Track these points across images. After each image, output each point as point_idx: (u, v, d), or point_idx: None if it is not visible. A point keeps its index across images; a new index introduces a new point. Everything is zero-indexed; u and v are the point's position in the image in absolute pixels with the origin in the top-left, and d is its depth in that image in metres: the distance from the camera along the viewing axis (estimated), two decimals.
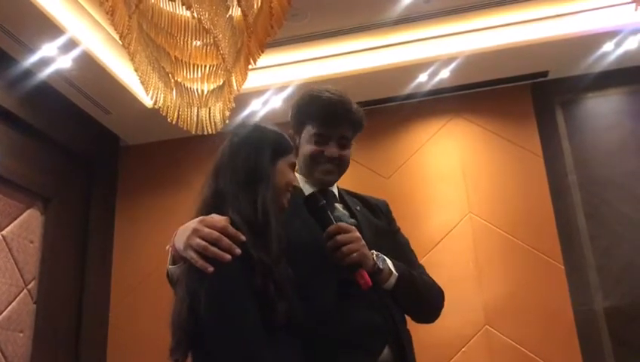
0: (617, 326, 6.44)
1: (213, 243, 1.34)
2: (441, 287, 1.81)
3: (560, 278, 6.61)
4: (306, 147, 1.79)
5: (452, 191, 7.21)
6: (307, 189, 1.80)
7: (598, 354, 6.42)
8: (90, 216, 7.47)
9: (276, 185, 1.48)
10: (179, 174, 7.73)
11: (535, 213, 6.89)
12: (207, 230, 1.37)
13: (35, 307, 6.50)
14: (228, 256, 1.31)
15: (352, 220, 1.71)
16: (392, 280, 1.69)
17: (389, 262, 1.69)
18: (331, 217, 1.62)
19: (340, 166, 1.82)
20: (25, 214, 6.56)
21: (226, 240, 1.34)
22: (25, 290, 6.42)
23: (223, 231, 1.35)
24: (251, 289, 1.31)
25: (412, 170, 7.43)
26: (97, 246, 7.47)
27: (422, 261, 7.50)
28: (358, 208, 1.82)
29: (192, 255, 1.36)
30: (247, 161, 1.45)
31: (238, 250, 1.32)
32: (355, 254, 1.60)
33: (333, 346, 1.51)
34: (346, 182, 1.90)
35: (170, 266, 1.46)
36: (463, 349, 6.59)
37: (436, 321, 7.13)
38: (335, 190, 1.86)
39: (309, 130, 1.80)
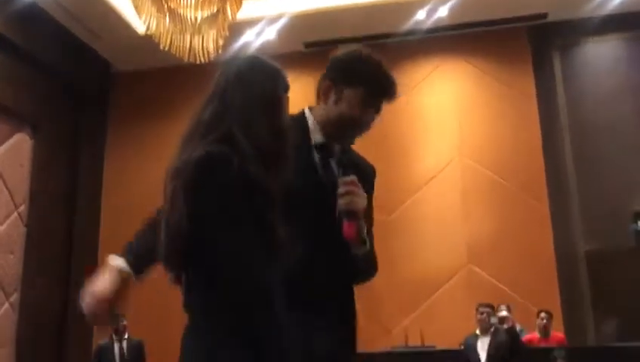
0: (597, 270, 6.61)
1: None
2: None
3: (544, 221, 6.73)
4: (352, 108, 1.77)
5: (444, 133, 7.22)
6: (316, 137, 1.81)
7: (576, 295, 6.61)
8: (79, 141, 7.44)
9: (286, 116, 1.49)
10: (170, 102, 7.66)
11: (524, 156, 6.94)
12: None
13: (26, 230, 6.56)
14: None
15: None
16: (361, 251, 1.76)
17: (365, 235, 1.77)
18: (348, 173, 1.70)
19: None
20: (14, 138, 6.52)
21: None
22: (15, 213, 6.46)
23: None
24: (249, 209, 1.33)
25: (405, 110, 7.39)
26: (87, 171, 7.48)
27: (410, 199, 7.59)
28: (350, 169, 1.85)
29: None
30: (263, 89, 1.43)
31: None
32: (357, 206, 1.67)
33: (295, 289, 1.59)
34: None
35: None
36: (445, 285, 6.76)
37: (421, 256, 7.26)
38: (337, 146, 1.88)
39: (358, 93, 1.77)
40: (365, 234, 1.74)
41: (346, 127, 1.81)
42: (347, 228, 1.66)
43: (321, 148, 1.80)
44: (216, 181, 1.33)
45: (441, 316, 6.50)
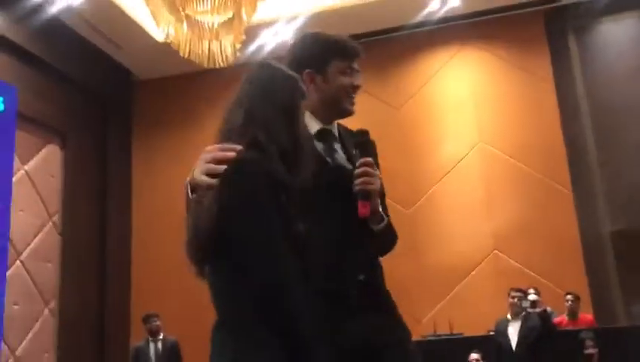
0: (623, 250, 6.59)
1: (212, 159, 1.51)
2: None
3: (568, 204, 6.73)
4: (341, 79, 1.89)
5: (463, 121, 7.25)
6: (313, 126, 1.90)
7: (604, 277, 6.60)
8: (107, 149, 7.65)
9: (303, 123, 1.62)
10: (191, 107, 7.83)
11: (545, 141, 6.94)
12: (207, 155, 1.53)
13: (61, 238, 6.78)
14: (221, 168, 1.47)
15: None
16: (382, 226, 1.86)
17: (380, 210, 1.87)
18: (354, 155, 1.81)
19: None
20: (45, 149, 6.74)
21: (219, 154, 1.51)
22: (50, 222, 6.68)
23: (218, 149, 1.53)
24: (276, 206, 1.44)
25: (423, 100, 7.45)
26: (116, 178, 7.68)
27: (433, 189, 7.62)
28: (355, 151, 1.94)
29: (199, 178, 1.51)
30: (283, 99, 1.56)
31: (231, 154, 1.46)
32: (370, 186, 1.76)
33: (317, 269, 1.68)
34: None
35: (192, 195, 1.60)
36: (472, 273, 6.80)
37: (446, 246, 7.27)
38: (335, 128, 1.96)
39: (337, 65, 1.89)
40: (381, 210, 1.84)
41: (341, 99, 1.92)
42: (362, 207, 1.76)
43: (322, 134, 1.90)
44: (248, 182, 1.45)
45: (469, 303, 6.55)
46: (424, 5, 7.00)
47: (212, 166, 1.50)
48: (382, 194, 1.92)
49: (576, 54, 7.25)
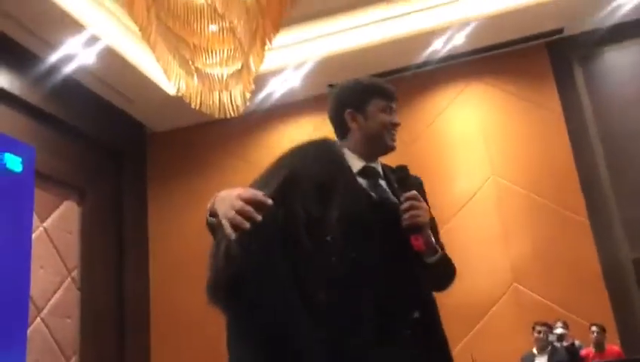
0: None
1: (240, 211, 1.54)
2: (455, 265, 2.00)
3: (585, 233, 6.68)
4: (382, 117, 1.99)
5: (474, 155, 7.28)
6: (355, 165, 1.96)
7: (628, 305, 6.49)
8: (123, 203, 7.73)
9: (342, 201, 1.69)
10: (205, 157, 7.94)
11: (557, 171, 6.94)
12: (236, 202, 1.56)
13: (79, 293, 6.81)
14: (247, 224, 1.50)
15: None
16: (435, 258, 1.87)
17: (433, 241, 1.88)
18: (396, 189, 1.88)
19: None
20: (62, 206, 6.84)
21: (247, 209, 1.52)
22: (69, 278, 6.73)
23: (250, 199, 1.54)
24: (284, 247, 1.48)
25: (433, 137, 7.50)
26: (133, 232, 7.74)
27: (447, 225, 7.63)
28: (397, 186, 1.97)
29: (224, 223, 1.54)
30: (328, 172, 1.62)
31: (258, 217, 1.50)
32: (419, 219, 1.78)
33: (367, 308, 1.69)
34: None
35: (210, 217, 1.64)
36: (493, 308, 6.72)
37: (465, 282, 7.21)
38: (379, 166, 2.00)
39: (377, 104, 2.00)
40: (434, 242, 1.85)
41: (382, 136, 1.99)
42: (415, 241, 1.78)
43: (365, 171, 1.95)
44: (263, 235, 1.49)
45: (492, 340, 6.45)
46: (427, 45, 7.12)
47: (239, 219, 1.52)
48: (434, 228, 1.94)
49: (582, 83, 7.30)
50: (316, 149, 1.70)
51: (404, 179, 1.96)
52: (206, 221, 1.65)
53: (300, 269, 1.52)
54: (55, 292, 6.49)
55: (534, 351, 5.69)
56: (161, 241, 7.84)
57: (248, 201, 1.53)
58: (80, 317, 6.72)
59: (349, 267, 1.68)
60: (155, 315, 7.60)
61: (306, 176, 1.61)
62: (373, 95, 2.02)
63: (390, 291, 1.74)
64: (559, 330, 5.70)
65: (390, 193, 1.93)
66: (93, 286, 6.91)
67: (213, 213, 1.60)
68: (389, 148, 2.02)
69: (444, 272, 1.92)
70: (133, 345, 7.27)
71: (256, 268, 1.48)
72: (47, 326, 6.29)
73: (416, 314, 1.76)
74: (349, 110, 2.02)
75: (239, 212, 1.52)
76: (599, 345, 5.80)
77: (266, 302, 1.46)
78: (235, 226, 1.52)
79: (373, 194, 1.90)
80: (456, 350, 6.53)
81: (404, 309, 1.76)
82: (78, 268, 6.85)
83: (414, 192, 1.84)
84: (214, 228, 1.60)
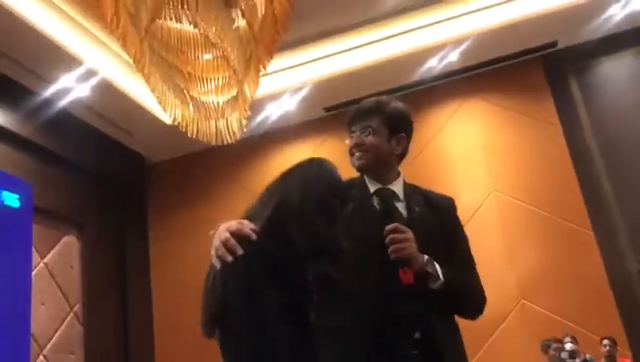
0: None
1: (225, 243, 1.55)
2: (483, 291, 1.96)
3: (591, 245, 6.62)
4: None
5: (474, 172, 7.25)
6: (370, 184, 1.97)
7: (636, 314, 6.41)
8: (124, 235, 7.69)
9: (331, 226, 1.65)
10: (205, 185, 7.91)
11: (559, 184, 6.90)
12: (223, 233, 1.56)
13: (83, 329, 6.73)
14: (229, 258, 1.52)
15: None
16: (437, 284, 1.82)
17: (437, 267, 1.83)
18: (392, 217, 1.82)
19: (368, 150, 1.94)
20: (62, 241, 6.79)
21: (231, 243, 1.54)
22: (71, 313, 6.66)
23: (236, 232, 1.55)
24: (279, 287, 1.48)
25: (432, 156, 7.48)
26: (135, 264, 7.68)
27: None
28: (417, 209, 1.93)
29: (212, 253, 1.56)
30: (327, 199, 1.62)
31: (240, 251, 1.50)
32: (403, 252, 1.75)
33: (369, 328, 1.67)
34: None
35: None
36: (502, 326, 6.63)
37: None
38: (399, 187, 1.97)
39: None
40: (435, 266, 1.81)
41: (350, 158, 2.02)
42: (403, 275, 1.74)
43: (378, 193, 1.97)
44: (245, 267, 1.51)
45: (502, 357, 6.35)
46: (422, 63, 7.14)
47: (222, 251, 1.55)
48: (460, 248, 1.91)
49: (578, 95, 7.31)
50: (313, 171, 1.69)
51: (429, 199, 1.96)
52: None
53: (296, 295, 1.52)
54: (57, 328, 6.41)
55: None
56: (164, 272, 7.78)
57: (233, 234, 1.54)
58: (84, 353, 6.63)
59: (350, 287, 1.67)
60: (159, 348, 7.50)
61: (300, 199, 1.60)
62: (347, 122, 2.07)
63: (393, 312, 1.73)
64: (569, 346, 5.62)
65: (405, 215, 1.91)
66: (96, 321, 6.84)
67: None
68: (356, 169, 2.02)
69: (458, 299, 1.88)
70: None
71: (236, 302, 1.48)
72: None
73: (417, 335, 1.74)
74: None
75: (223, 244, 1.52)
76: (611, 358, 5.71)
77: (249, 334, 1.45)
78: (219, 259, 1.53)
79: (381, 215, 1.89)
80: None
81: (405, 330, 1.74)
82: (80, 303, 6.78)
83: (395, 225, 1.80)
84: None
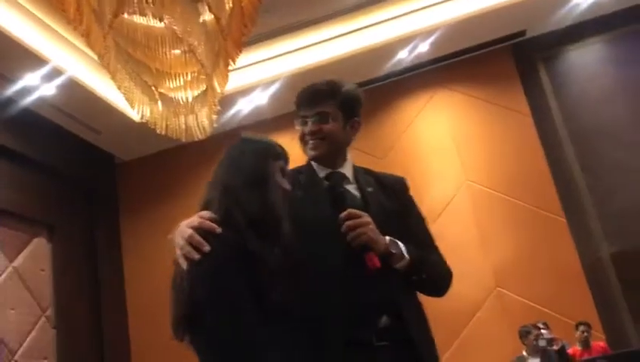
0: (625, 270, 6.55)
1: (188, 241, 1.49)
2: (449, 266, 1.91)
3: (563, 231, 6.70)
4: (298, 129, 1.92)
5: (447, 162, 7.29)
6: (319, 169, 1.89)
7: (609, 299, 6.53)
8: (96, 236, 7.56)
9: (279, 185, 1.60)
10: (177, 182, 7.81)
11: (531, 172, 6.97)
12: (185, 230, 1.52)
13: (55, 332, 6.60)
14: (196, 255, 1.46)
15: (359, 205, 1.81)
16: (403, 263, 1.76)
17: (402, 246, 1.76)
18: (344, 203, 1.74)
19: (325, 139, 1.86)
20: (32, 244, 6.64)
21: (195, 239, 1.49)
22: (43, 317, 6.52)
23: (197, 228, 1.50)
24: (245, 276, 1.43)
25: (405, 147, 7.50)
26: (107, 265, 7.56)
27: None
28: (370, 189, 1.87)
29: (177, 253, 1.50)
30: (254, 170, 1.58)
31: (206, 247, 1.46)
32: (362, 237, 1.67)
33: (333, 318, 1.61)
34: None
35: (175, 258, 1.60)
36: (477, 314, 6.68)
37: (448, 291, 7.20)
38: (349, 170, 1.91)
39: (296, 116, 1.93)
40: (398, 246, 1.75)
41: (302, 148, 1.94)
42: (368, 261, 1.66)
43: (329, 177, 1.88)
44: (213, 263, 1.46)
45: (479, 346, 6.41)
46: (393, 55, 7.13)
47: (187, 249, 1.49)
48: (422, 227, 1.87)
49: (548, 84, 7.38)
50: (237, 147, 1.69)
51: (380, 180, 1.91)
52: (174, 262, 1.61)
53: (263, 283, 1.48)
54: (29, 333, 6.27)
55: (524, 353, 5.68)
56: (137, 271, 7.67)
57: (197, 229, 1.49)
58: (57, 357, 6.50)
59: (312, 274, 1.62)
60: (135, 350, 7.40)
61: (230, 177, 1.60)
62: (296, 107, 1.98)
63: (356, 297, 1.66)
64: (547, 334, 5.70)
65: (359, 196, 1.84)
66: (69, 325, 6.71)
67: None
68: (309, 158, 1.93)
69: (425, 277, 1.81)
70: None
71: (210, 299, 1.44)
72: None
73: (384, 321, 1.68)
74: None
75: (188, 242, 1.47)
76: (586, 343, 5.80)
77: (224, 334, 1.42)
78: (185, 257, 1.48)
79: (331, 201, 1.79)
80: (444, 358, 6.47)
81: (372, 318, 1.67)
82: (52, 307, 6.64)
83: (348, 211, 1.71)
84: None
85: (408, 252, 1.77)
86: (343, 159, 1.94)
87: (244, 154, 1.65)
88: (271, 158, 1.65)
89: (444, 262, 1.91)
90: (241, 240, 1.48)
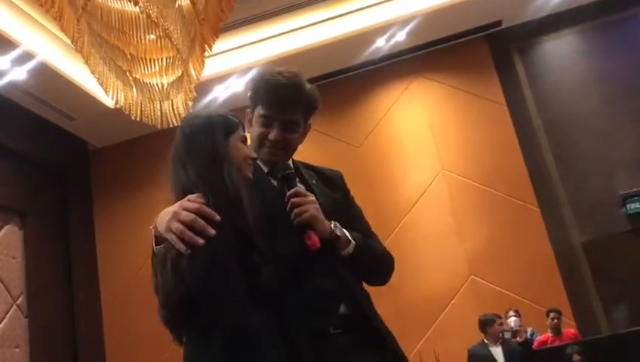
0: (595, 258, 6.66)
1: (190, 226, 1.44)
2: (390, 253, 1.91)
3: (536, 220, 6.79)
4: (255, 128, 1.84)
5: (423, 151, 7.32)
6: (261, 163, 1.86)
7: (580, 286, 6.64)
8: (69, 223, 7.45)
9: (236, 160, 1.57)
10: (151, 170, 7.70)
11: (506, 161, 7.04)
12: (184, 213, 1.47)
13: (27, 321, 6.51)
14: (201, 240, 1.42)
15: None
16: (350, 248, 1.75)
17: (346, 231, 1.76)
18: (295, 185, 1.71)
19: (285, 149, 1.81)
20: (3, 231, 6.53)
21: (200, 223, 1.44)
22: (14, 306, 6.42)
23: (198, 212, 1.46)
24: (235, 258, 1.41)
25: (381, 136, 7.51)
26: (80, 252, 7.46)
27: (401, 223, 7.59)
28: (314, 181, 1.87)
29: (172, 237, 1.46)
30: (204, 146, 1.55)
31: (212, 231, 1.42)
32: (305, 215, 1.65)
33: (293, 308, 1.61)
34: (319, 155, 1.97)
35: (156, 247, 1.54)
36: (452, 301, 6.76)
37: (422, 277, 7.22)
38: (290, 164, 1.90)
39: (258, 111, 1.82)
40: (343, 231, 1.73)
41: (256, 147, 1.84)
42: (307, 239, 1.64)
43: (273, 171, 1.81)
44: (216, 248, 1.44)
45: (453, 332, 6.48)
46: (370, 43, 7.12)
47: (189, 234, 1.44)
48: (358, 216, 1.86)
49: (523, 74, 7.44)
50: (180, 129, 1.65)
51: (321, 173, 1.89)
52: (152, 253, 1.56)
53: (253, 268, 1.48)
54: (0, 322, 6.18)
55: (484, 340, 5.77)
56: (111, 260, 7.59)
57: (197, 213, 1.45)
58: (29, 345, 6.42)
59: (271, 264, 1.58)
60: (108, 337, 7.34)
61: (207, 168, 1.56)
62: (258, 99, 1.82)
63: (312, 286, 1.64)
64: (512, 320, 5.80)
65: (305, 189, 1.82)
66: (41, 313, 6.62)
67: (158, 237, 1.52)
68: (268, 163, 1.82)
69: (371, 263, 1.80)
70: None
71: (213, 283, 1.41)
72: None
73: (342, 310, 1.66)
74: (248, 109, 1.87)
75: (190, 226, 1.44)
76: (557, 330, 5.90)
77: (226, 317, 1.39)
78: (185, 242, 1.44)
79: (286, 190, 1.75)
80: (419, 346, 6.54)
81: (328, 306, 1.65)
82: (24, 295, 6.55)
83: (295, 189, 1.70)
84: (159, 259, 1.52)
85: (353, 237, 1.75)
86: None
87: (196, 133, 1.60)
88: (224, 131, 1.61)
89: (386, 250, 1.91)
90: (232, 225, 1.47)
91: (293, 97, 1.80)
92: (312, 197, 1.72)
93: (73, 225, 7.49)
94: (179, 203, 1.51)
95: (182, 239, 1.45)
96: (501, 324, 5.77)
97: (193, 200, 1.49)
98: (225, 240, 1.44)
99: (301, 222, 1.66)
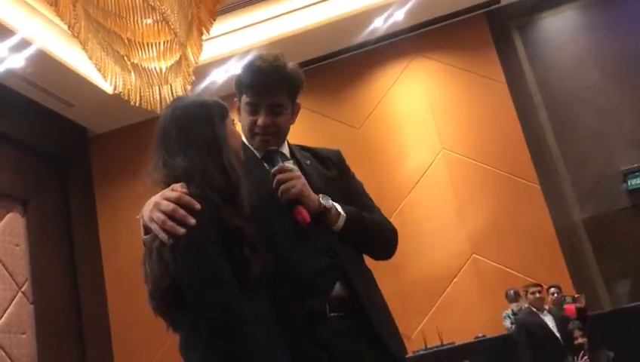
0: (596, 235, 6.68)
1: (170, 215, 1.44)
2: (394, 226, 1.89)
3: (537, 198, 6.80)
4: (243, 117, 1.84)
5: (423, 131, 7.31)
6: (255, 152, 1.85)
7: (582, 263, 6.67)
8: (70, 210, 7.47)
9: (232, 145, 1.56)
10: (150, 153, 7.72)
11: (506, 139, 7.03)
12: (164, 203, 1.47)
13: (33, 307, 6.56)
14: (182, 230, 1.42)
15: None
16: (341, 221, 1.72)
17: (336, 204, 1.75)
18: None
19: (276, 133, 1.81)
20: (5, 219, 6.55)
21: (180, 212, 1.44)
22: (19, 293, 6.47)
23: (178, 201, 1.45)
24: (224, 251, 1.41)
25: (381, 116, 7.50)
26: (83, 238, 7.49)
27: (402, 203, 7.60)
28: (309, 162, 1.86)
29: (155, 227, 1.46)
30: (205, 135, 1.53)
31: (192, 221, 1.42)
32: (292, 190, 1.63)
33: (287, 290, 1.60)
34: (319, 137, 1.96)
35: (144, 236, 1.55)
36: (454, 280, 6.79)
37: (424, 257, 7.24)
38: (285, 148, 1.89)
39: (244, 99, 1.82)
40: (333, 203, 1.71)
41: (248, 137, 1.84)
42: (297, 215, 1.62)
43: (267, 157, 1.80)
44: (197, 238, 1.43)
45: (456, 311, 6.53)
46: (369, 23, 7.08)
47: (171, 224, 1.45)
48: (360, 191, 1.85)
49: (522, 51, 7.40)
50: (163, 115, 1.66)
51: (317, 153, 1.88)
52: (143, 242, 1.57)
53: (243, 257, 1.47)
54: (6, 309, 6.22)
55: (532, 308, 5.61)
56: (114, 245, 7.61)
57: (176, 202, 1.45)
58: (35, 331, 6.48)
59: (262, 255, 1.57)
60: (114, 321, 7.39)
61: (201, 155, 1.55)
62: (243, 87, 1.83)
63: (304, 266, 1.63)
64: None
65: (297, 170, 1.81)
66: (47, 299, 6.67)
67: (146, 226, 1.53)
68: (261, 150, 1.82)
69: (369, 235, 1.78)
70: (93, 352, 7.06)
71: (196, 273, 1.42)
72: (0, 345, 6.05)
73: (337, 290, 1.64)
74: (236, 98, 1.86)
75: (170, 215, 1.44)
76: (559, 305, 5.93)
77: (210, 306, 1.40)
78: (167, 231, 1.44)
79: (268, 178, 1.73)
80: (422, 324, 6.59)
81: (323, 286, 1.63)
82: (29, 282, 6.59)
83: (280, 165, 1.69)
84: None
85: (344, 209, 1.73)
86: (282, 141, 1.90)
87: (191, 119, 1.59)
88: (217, 120, 1.59)
89: (388, 221, 1.88)
90: (217, 214, 1.46)
91: (274, 80, 1.79)
92: (297, 172, 1.70)
93: (75, 211, 7.51)
94: (161, 192, 1.51)
95: (163, 229, 1.45)
96: (552, 294, 5.81)
97: (175, 190, 1.49)
98: (207, 229, 1.43)
99: (289, 197, 1.65)
